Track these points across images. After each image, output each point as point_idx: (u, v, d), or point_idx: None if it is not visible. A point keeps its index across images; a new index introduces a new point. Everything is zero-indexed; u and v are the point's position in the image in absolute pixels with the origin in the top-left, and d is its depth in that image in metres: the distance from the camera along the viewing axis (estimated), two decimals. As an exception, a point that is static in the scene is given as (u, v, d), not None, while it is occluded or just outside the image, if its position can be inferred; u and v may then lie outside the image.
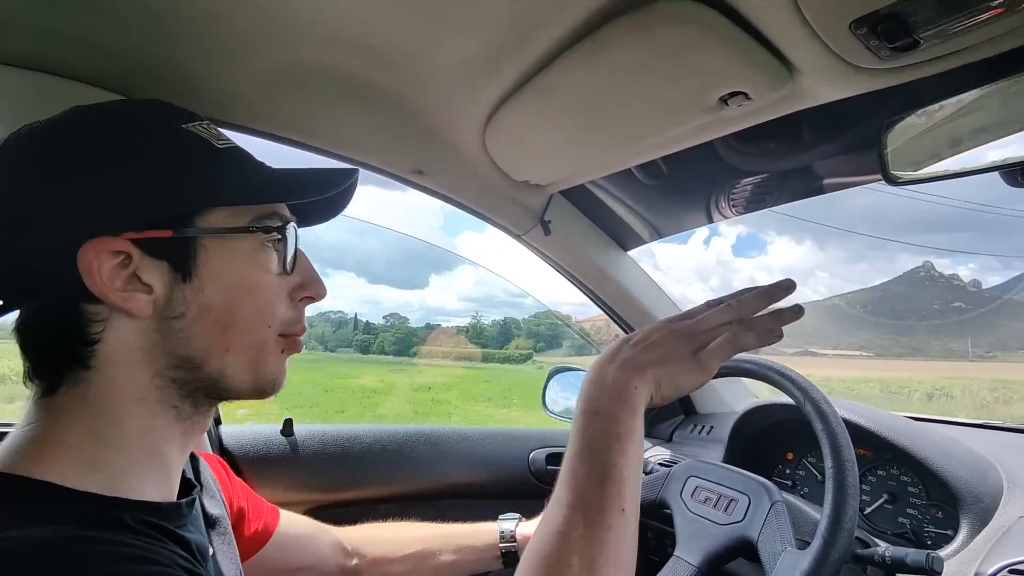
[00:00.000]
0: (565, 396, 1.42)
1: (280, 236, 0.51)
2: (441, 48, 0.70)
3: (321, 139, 0.87)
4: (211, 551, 0.58)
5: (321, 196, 0.52)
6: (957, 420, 1.12)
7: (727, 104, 0.66)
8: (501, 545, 0.91)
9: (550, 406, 1.38)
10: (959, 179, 0.61)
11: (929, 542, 0.85)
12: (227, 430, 1.02)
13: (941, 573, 0.66)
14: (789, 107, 0.66)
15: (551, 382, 1.41)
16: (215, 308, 0.48)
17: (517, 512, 0.95)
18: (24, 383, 0.47)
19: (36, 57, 0.70)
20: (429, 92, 0.80)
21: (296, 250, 0.53)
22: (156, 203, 0.46)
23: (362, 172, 0.60)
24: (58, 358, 0.46)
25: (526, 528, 0.93)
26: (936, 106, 0.58)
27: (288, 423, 1.05)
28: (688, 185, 1.08)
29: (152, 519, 0.44)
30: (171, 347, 0.47)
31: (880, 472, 0.94)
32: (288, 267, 0.52)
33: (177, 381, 0.48)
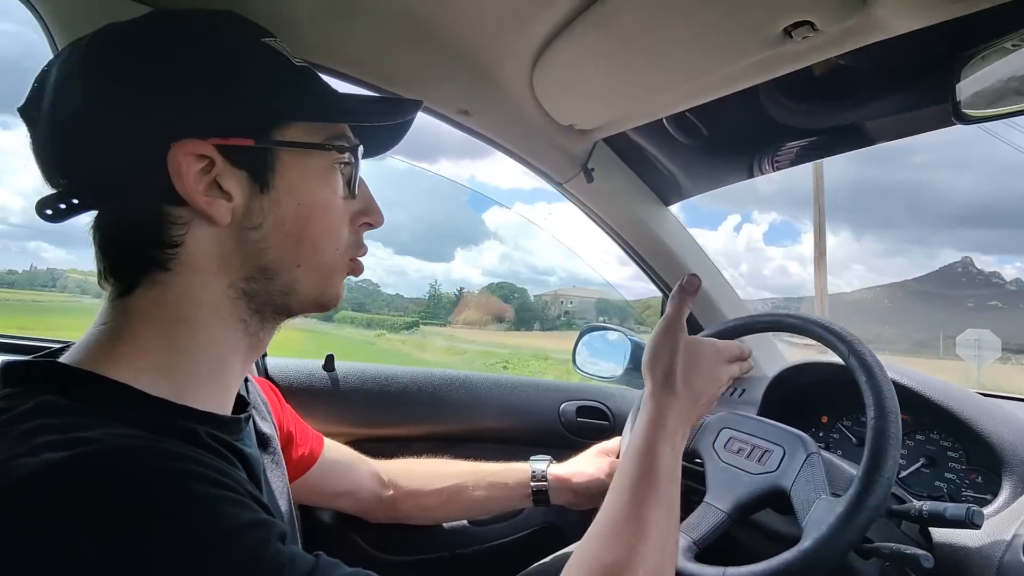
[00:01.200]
0: (596, 356, 1.43)
1: (350, 158, 0.52)
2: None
3: (370, 73, 0.86)
4: (263, 467, 0.60)
5: (391, 122, 0.54)
6: (1008, 395, 1.08)
7: (791, 36, 0.63)
8: (532, 484, 0.93)
9: (581, 365, 1.39)
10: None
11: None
12: (272, 362, 1.06)
13: (981, 527, 0.65)
14: (857, 40, 0.63)
15: (582, 342, 1.42)
16: (289, 222, 0.49)
17: None
18: (99, 283, 0.48)
19: None
20: (478, 26, 0.79)
21: (359, 176, 0.54)
22: (241, 110, 0.47)
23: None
24: (138, 258, 0.46)
25: (557, 470, 0.95)
26: (1016, 36, 0.55)
27: (330, 359, 1.09)
28: (730, 140, 1.05)
29: (218, 432, 0.46)
30: (247, 257, 0.48)
31: (919, 436, 0.93)
32: (353, 190, 0.53)
33: (248, 293, 0.49)
